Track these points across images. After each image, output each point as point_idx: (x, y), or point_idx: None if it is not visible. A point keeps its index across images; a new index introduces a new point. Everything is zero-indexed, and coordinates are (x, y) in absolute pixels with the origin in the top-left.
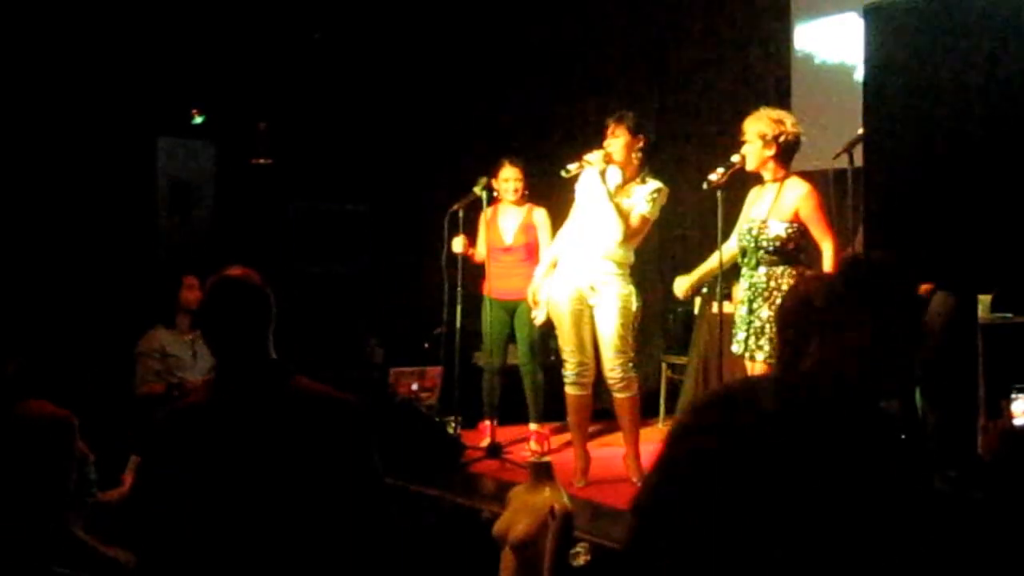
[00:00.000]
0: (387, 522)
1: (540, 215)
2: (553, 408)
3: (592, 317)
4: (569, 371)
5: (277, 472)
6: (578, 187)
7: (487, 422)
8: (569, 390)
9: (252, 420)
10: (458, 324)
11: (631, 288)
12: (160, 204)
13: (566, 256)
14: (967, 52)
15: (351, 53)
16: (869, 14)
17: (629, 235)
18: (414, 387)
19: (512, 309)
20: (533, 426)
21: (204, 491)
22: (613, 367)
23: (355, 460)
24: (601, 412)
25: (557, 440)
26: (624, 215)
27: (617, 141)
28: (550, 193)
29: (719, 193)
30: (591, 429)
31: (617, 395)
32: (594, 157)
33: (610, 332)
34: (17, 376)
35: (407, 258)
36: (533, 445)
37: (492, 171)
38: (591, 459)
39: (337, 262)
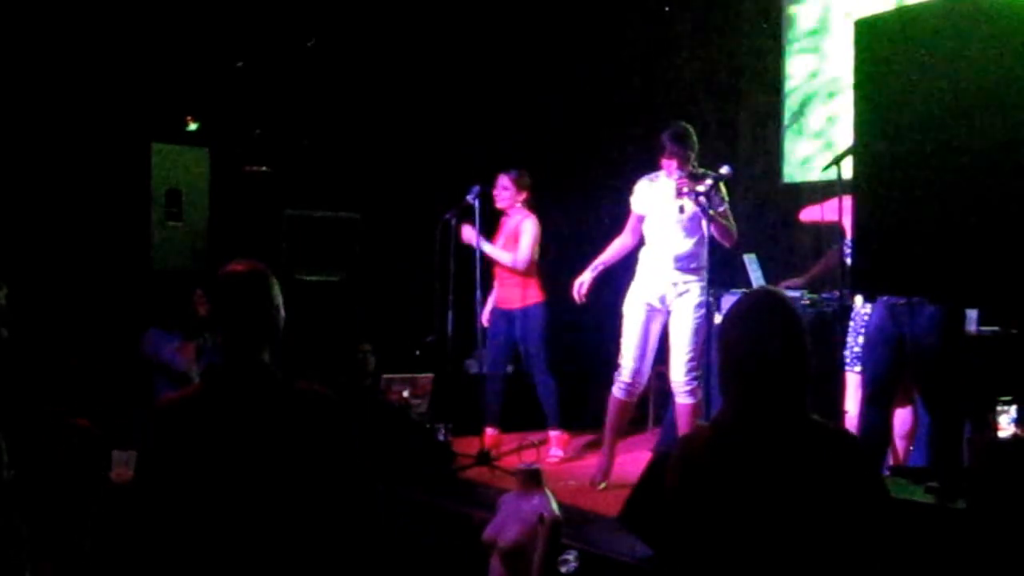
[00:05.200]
0: (370, 515)
1: (526, 224)
2: (539, 416)
3: (663, 325)
4: (621, 378)
5: (262, 465)
6: (637, 199)
7: (490, 429)
8: (616, 393)
9: (238, 413)
10: (449, 332)
11: (706, 293)
12: (154, 210)
13: (644, 264)
14: (956, 65)
15: (345, 61)
16: (859, 28)
17: (732, 234)
18: (405, 394)
19: (511, 318)
20: (555, 432)
21: (194, 483)
22: (680, 372)
23: (336, 453)
24: (592, 420)
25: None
26: (722, 218)
27: (671, 163)
28: (544, 201)
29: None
30: (583, 436)
31: (680, 400)
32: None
33: (683, 337)
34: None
35: (399, 266)
36: (556, 452)
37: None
38: (614, 464)
39: (330, 269)
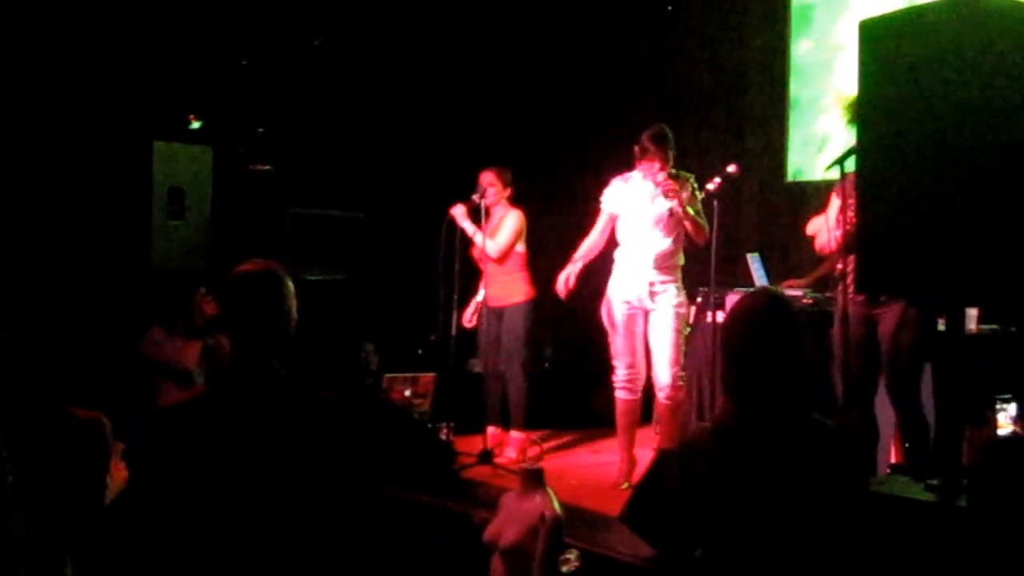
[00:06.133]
0: (373, 522)
1: (510, 215)
2: (538, 415)
3: (646, 323)
4: (620, 377)
5: (263, 470)
6: (611, 200)
7: (492, 428)
8: (619, 394)
9: (242, 417)
10: (453, 330)
11: (683, 294)
12: (157, 209)
13: (621, 264)
14: (960, 65)
15: (349, 60)
16: (863, 29)
17: (705, 231)
18: (407, 393)
19: (501, 315)
20: (514, 433)
21: (194, 486)
22: (664, 373)
23: (340, 460)
24: (594, 418)
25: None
26: (692, 219)
27: (653, 164)
28: (542, 200)
29: (714, 203)
30: (584, 435)
31: (663, 400)
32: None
33: (663, 339)
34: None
35: (402, 265)
36: (510, 452)
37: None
38: (636, 463)
39: (333, 268)
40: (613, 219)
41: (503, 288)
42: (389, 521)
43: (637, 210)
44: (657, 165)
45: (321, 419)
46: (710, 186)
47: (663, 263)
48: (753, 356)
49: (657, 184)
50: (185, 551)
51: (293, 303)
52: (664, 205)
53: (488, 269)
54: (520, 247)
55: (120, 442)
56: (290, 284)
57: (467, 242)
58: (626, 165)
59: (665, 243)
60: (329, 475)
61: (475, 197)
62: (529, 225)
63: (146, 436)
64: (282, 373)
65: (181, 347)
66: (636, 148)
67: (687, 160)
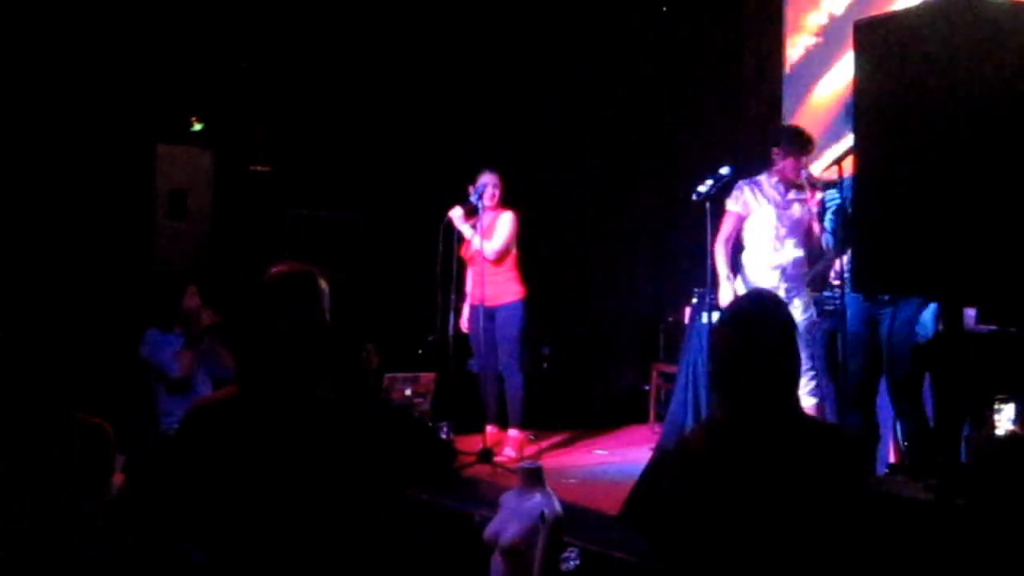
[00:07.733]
0: (374, 518)
1: (505, 216)
2: (537, 415)
3: None
4: (812, 383)
5: (281, 469)
6: (743, 202)
7: (491, 427)
8: (813, 401)
9: (279, 418)
10: (451, 331)
11: (812, 306)
12: (158, 211)
13: (755, 270)
14: (956, 65)
15: (348, 62)
16: (859, 29)
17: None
18: (408, 392)
19: (493, 314)
20: (512, 432)
21: (217, 483)
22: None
23: (345, 460)
24: (595, 418)
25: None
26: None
27: (791, 163)
28: (541, 200)
29: (707, 204)
30: (584, 434)
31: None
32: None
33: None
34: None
35: (401, 265)
36: (509, 451)
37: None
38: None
39: (333, 268)
40: (741, 221)
41: (496, 288)
42: (391, 521)
43: (778, 214)
44: (801, 163)
45: (324, 420)
46: (702, 188)
47: (795, 271)
48: (743, 356)
49: (810, 180)
50: (206, 551)
51: (327, 305)
52: (799, 210)
53: (481, 269)
54: (513, 247)
55: (120, 454)
56: (324, 286)
57: (460, 242)
58: (626, 164)
59: (799, 250)
60: (332, 476)
61: (473, 198)
62: (527, 225)
63: (180, 432)
64: (313, 374)
65: (177, 354)
66: (790, 146)
67: (685, 160)
